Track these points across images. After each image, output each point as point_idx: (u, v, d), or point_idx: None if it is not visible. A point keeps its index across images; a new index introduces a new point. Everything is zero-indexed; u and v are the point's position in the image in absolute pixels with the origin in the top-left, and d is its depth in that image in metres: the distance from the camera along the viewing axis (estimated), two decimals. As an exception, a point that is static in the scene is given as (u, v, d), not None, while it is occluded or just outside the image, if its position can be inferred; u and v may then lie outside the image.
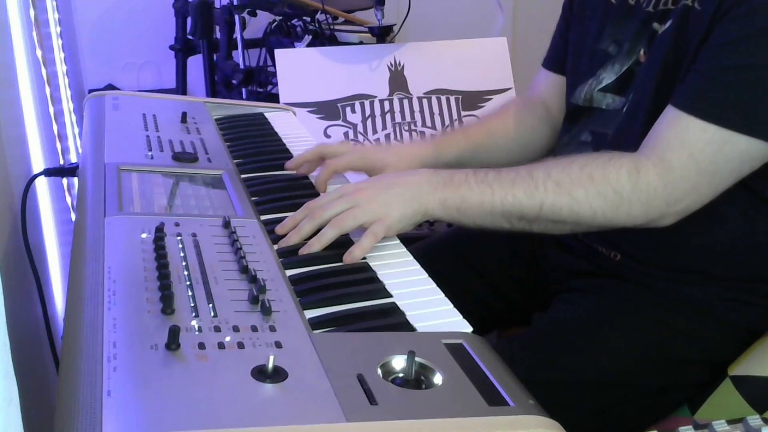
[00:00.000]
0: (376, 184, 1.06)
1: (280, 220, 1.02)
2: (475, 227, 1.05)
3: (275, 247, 0.94)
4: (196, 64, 2.67)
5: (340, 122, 2.09)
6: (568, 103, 1.26)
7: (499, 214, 1.03)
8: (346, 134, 2.09)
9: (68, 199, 1.78)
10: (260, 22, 2.49)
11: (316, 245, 0.95)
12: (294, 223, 0.99)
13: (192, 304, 0.75)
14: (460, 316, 0.82)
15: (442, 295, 0.87)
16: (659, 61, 1.07)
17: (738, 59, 0.98)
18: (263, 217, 1.02)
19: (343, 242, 0.97)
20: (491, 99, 2.21)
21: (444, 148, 1.29)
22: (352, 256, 0.94)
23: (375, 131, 2.11)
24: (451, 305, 0.85)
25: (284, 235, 0.98)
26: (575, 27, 1.28)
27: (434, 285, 0.89)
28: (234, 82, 2.40)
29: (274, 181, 1.16)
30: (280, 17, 2.37)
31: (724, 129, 0.97)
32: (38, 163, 1.52)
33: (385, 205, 1.01)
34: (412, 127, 2.14)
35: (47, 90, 1.70)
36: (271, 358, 0.65)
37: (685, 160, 0.99)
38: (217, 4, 2.55)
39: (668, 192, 1.00)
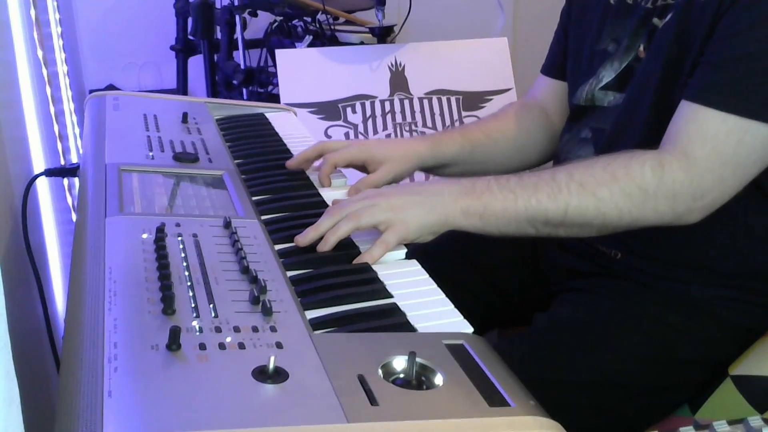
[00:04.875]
0: (397, 189, 1.06)
1: (281, 220, 1.02)
2: (499, 235, 1.04)
3: (276, 247, 0.94)
4: (196, 64, 2.67)
5: (340, 122, 2.09)
6: (570, 104, 1.27)
7: (524, 220, 1.02)
8: (346, 134, 2.10)
9: (69, 200, 1.78)
10: (261, 22, 2.50)
11: (332, 238, 0.95)
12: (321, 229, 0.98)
13: (193, 305, 0.75)
14: (461, 317, 0.82)
15: (443, 295, 0.87)
16: (661, 55, 1.08)
17: (750, 47, 0.98)
18: (264, 217, 1.02)
19: (346, 244, 0.97)
20: (492, 99, 2.22)
21: (442, 145, 1.28)
22: (361, 263, 0.94)
23: (376, 131, 2.11)
24: (452, 305, 0.85)
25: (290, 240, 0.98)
26: (574, 32, 1.28)
27: (435, 285, 0.89)
28: (235, 82, 2.40)
29: (275, 181, 1.16)
30: (281, 17, 2.38)
31: (744, 118, 0.98)
32: (39, 164, 1.52)
33: (404, 211, 0.99)
34: (413, 127, 2.14)
35: (48, 90, 1.70)
36: (272, 358, 0.65)
37: (708, 153, 0.99)
38: (217, 5, 2.55)
39: (694, 186, 1.00)
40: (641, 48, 1.13)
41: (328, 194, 1.13)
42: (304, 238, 0.96)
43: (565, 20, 1.34)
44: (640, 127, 1.10)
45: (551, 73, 1.37)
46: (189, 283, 0.79)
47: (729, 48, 0.99)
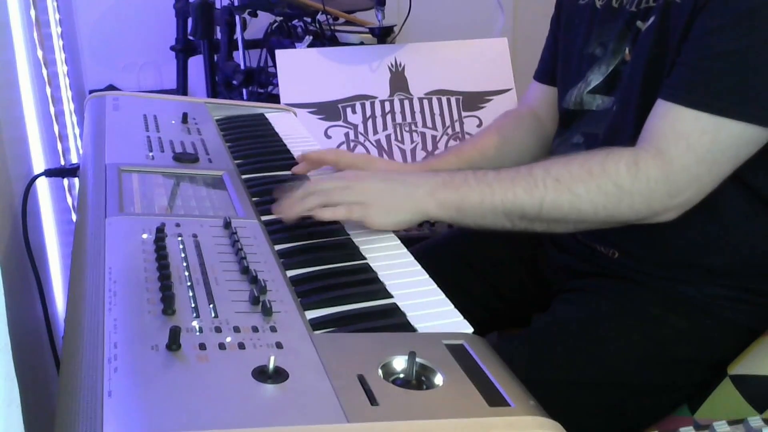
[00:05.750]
0: (376, 176, 1.08)
1: (281, 220, 1.02)
2: (476, 227, 1.06)
3: (276, 247, 0.94)
4: (196, 64, 2.67)
5: (340, 123, 2.09)
6: (560, 108, 1.28)
7: (501, 213, 1.04)
8: (346, 135, 2.09)
9: (69, 200, 1.78)
10: (261, 22, 2.49)
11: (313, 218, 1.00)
12: (295, 197, 1.03)
13: (193, 305, 0.75)
14: (461, 317, 0.82)
15: (443, 295, 0.87)
16: (644, 58, 1.08)
17: (722, 46, 0.98)
18: (264, 218, 1.02)
19: (344, 243, 0.98)
20: (492, 100, 2.21)
21: (437, 169, 1.29)
22: (318, 215, 1.00)
23: (375, 132, 2.11)
24: (452, 306, 0.85)
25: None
26: (563, 37, 1.29)
27: (435, 285, 0.89)
28: (235, 82, 2.40)
29: (274, 181, 1.16)
30: (281, 18, 2.37)
31: (717, 116, 0.98)
32: (39, 164, 1.52)
33: (379, 198, 1.03)
34: (413, 127, 2.14)
35: (48, 90, 1.70)
36: (272, 358, 0.66)
37: (682, 151, 0.99)
38: (217, 5, 2.55)
39: (669, 183, 1.00)
40: (627, 51, 1.14)
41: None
42: (289, 212, 1.00)
43: (555, 27, 1.35)
44: (631, 131, 1.10)
45: (543, 80, 1.39)
46: (189, 284, 0.79)
47: (702, 47, 1.00)
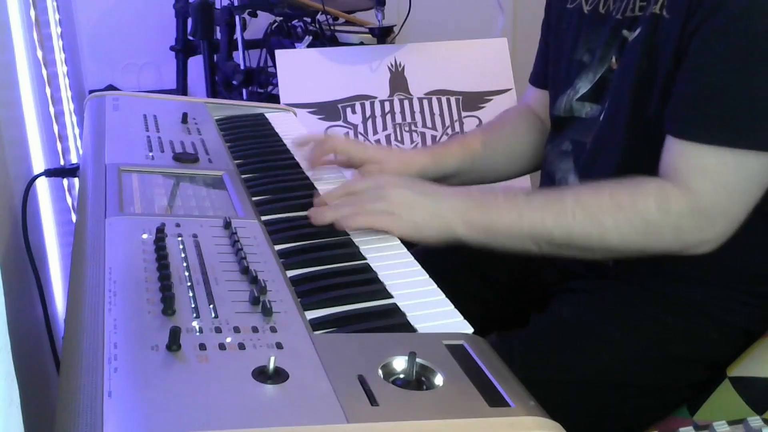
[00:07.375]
0: (409, 186, 1.07)
1: (281, 220, 1.02)
2: (503, 251, 1.05)
3: (276, 247, 0.94)
4: (196, 64, 2.67)
5: (340, 123, 2.09)
6: (551, 115, 1.27)
7: (528, 239, 1.04)
8: (346, 135, 2.09)
9: (69, 200, 1.78)
10: (261, 22, 2.50)
11: (345, 226, 1.00)
12: (330, 198, 1.04)
13: (193, 305, 0.75)
14: (461, 317, 0.82)
15: (443, 295, 0.87)
16: (632, 69, 1.07)
17: (728, 76, 0.97)
18: (264, 218, 1.02)
19: (344, 243, 0.98)
20: (492, 100, 2.22)
21: (444, 158, 1.30)
22: (346, 224, 1.00)
23: (375, 132, 2.11)
24: (452, 306, 0.85)
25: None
26: (553, 41, 1.29)
27: (435, 286, 0.89)
28: (234, 82, 2.40)
29: (274, 181, 1.16)
30: (281, 18, 2.38)
31: (737, 149, 0.97)
32: (39, 164, 1.52)
33: (409, 210, 1.03)
34: (413, 127, 2.14)
35: (48, 90, 1.70)
36: (272, 359, 0.66)
37: (709, 186, 0.99)
38: (217, 5, 2.55)
39: (699, 218, 1.00)
40: (614, 59, 1.13)
41: (327, 194, 1.13)
42: (323, 217, 1.00)
43: (545, 31, 1.35)
44: (619, 143, 1.10)
45: (538, 83, 1.39)
46: (189, 284, 0.79)
47: (707, 77, 0.98)
